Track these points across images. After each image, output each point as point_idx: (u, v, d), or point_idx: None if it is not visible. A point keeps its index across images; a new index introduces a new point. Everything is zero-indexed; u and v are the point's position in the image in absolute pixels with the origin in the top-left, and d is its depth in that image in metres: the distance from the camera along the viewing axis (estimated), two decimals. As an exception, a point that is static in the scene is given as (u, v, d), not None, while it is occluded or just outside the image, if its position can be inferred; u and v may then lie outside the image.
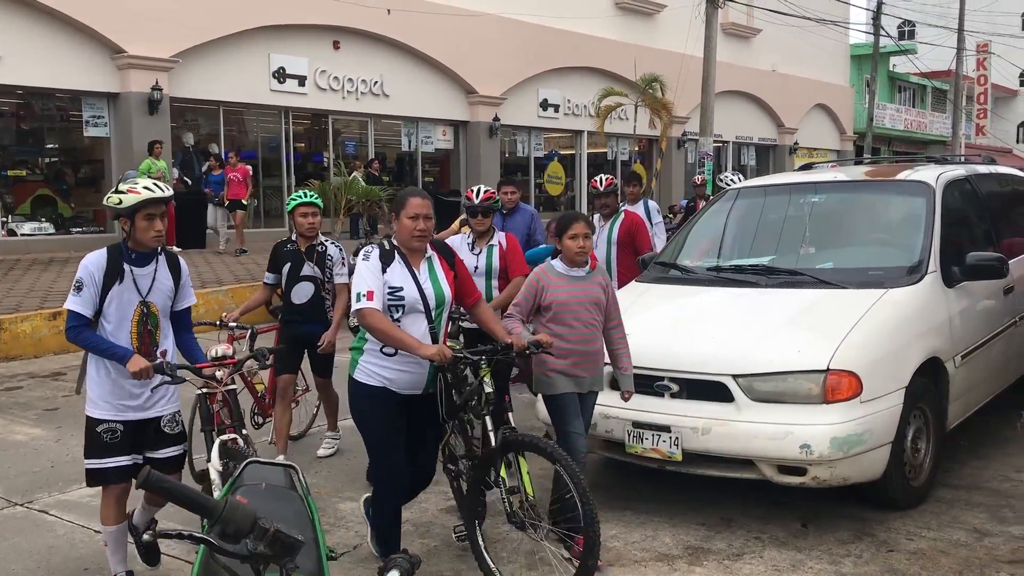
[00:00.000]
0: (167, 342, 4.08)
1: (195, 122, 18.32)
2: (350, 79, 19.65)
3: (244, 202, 15.85)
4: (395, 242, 4.09)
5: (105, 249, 3.97)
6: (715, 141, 22.46)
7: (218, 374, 4.37)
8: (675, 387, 4.84)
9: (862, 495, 4.93)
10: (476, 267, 5.78)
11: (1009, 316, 6.17)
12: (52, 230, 16.40)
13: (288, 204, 5.99)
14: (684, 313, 5.48)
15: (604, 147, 26.29)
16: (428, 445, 4.28)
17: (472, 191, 6.01)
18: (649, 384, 4.84)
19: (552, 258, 4.72)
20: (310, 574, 2.24)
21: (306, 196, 5.86)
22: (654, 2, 26.33)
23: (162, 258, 4.04)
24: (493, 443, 4.14)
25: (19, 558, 4.65)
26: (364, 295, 3.89)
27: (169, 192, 3.92)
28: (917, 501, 4.98)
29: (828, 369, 4.54)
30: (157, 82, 16.13)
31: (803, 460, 4.49)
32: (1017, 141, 55.35)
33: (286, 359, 5.90)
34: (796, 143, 33.65)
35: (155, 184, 3.91)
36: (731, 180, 9.94)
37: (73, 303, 3.91)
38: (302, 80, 18.81)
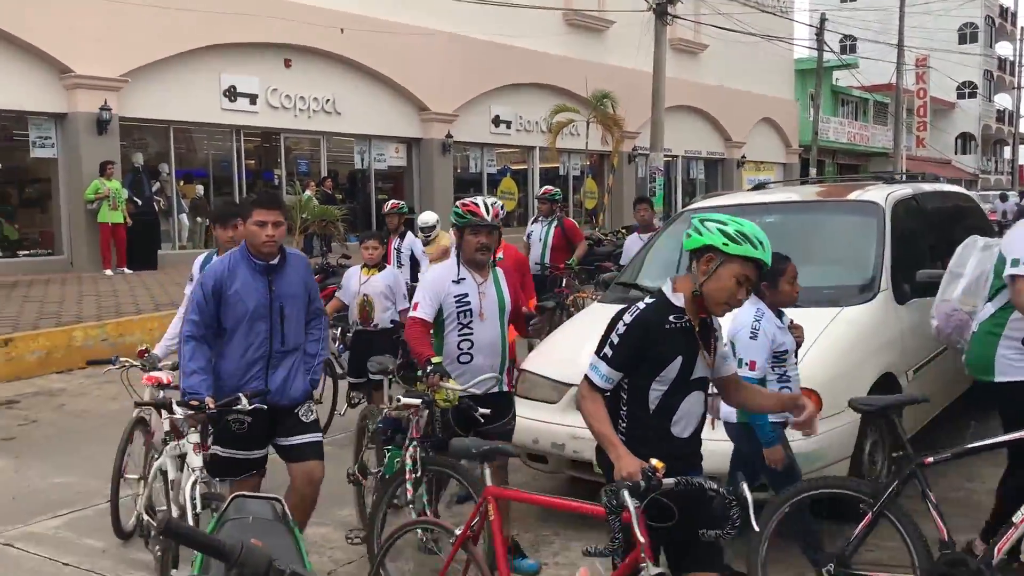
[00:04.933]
0: None
1: (143, 141, 18.09)
2: (302, 97, 19.59)
3: None
4: None
5: None
6: (665, 156, 22.80)
7: None
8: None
9: (819, 508, 5.06)
10: None
11: (956, 329, 6.38)
12: (-1, 255, 16.07)
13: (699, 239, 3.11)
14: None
15: (556, 162, 26.53)
16: None
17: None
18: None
19: None
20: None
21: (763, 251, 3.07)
22: (603, 18, 26.68)
23: None
24: None
25: (-16, 594, 4.59)
26: None
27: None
28: (874, 512, 5.12)
29: (788, 387, 4.66)
30: (106, 102, 15.91)
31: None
32: (955, 152, 57.05)
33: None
34: (744, 157, 34.29)
35: None
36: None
37: None
38: (253, 99, 18.72)
